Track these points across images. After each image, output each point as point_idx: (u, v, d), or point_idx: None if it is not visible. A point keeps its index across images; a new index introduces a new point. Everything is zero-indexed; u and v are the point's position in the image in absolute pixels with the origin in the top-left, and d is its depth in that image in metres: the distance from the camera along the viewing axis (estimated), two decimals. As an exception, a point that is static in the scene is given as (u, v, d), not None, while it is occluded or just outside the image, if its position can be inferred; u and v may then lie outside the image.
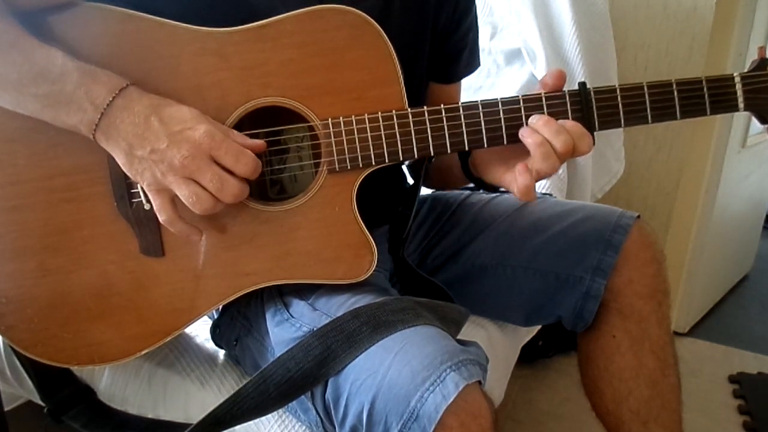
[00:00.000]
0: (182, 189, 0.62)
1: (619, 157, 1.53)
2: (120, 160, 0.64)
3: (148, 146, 0.61)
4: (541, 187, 1.25)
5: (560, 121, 0.68)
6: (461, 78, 0.92)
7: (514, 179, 0.69)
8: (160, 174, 0.62)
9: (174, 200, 0.64)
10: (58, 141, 0.66)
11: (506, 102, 0.69)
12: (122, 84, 0.62)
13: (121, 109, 0.62)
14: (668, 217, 1.74)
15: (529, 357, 1.65)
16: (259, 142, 0.66)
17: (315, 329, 0.65)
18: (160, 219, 0.65)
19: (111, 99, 0.61)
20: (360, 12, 0.67)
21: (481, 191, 1.01)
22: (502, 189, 0.78)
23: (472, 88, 1.42)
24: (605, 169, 1.49)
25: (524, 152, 0.69)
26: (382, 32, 0.67)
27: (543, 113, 0.69)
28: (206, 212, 0.64)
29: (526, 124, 0.69)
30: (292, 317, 0.71)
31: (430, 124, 0.69)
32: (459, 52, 0.89)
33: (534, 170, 0.68)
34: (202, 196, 0.63)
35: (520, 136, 0.69)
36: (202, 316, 0.72)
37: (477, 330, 0.92)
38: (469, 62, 0.91)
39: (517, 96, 0.69)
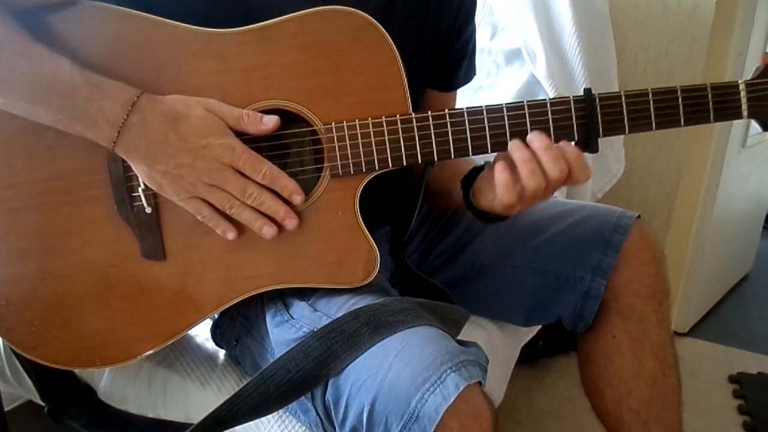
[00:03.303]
0: (212, 196, 0.65)
1: (619, 157, 1.53)
2: (141, 174, 0.65)
3: (172, 162, 0.63)
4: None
5: (562, 145, 0.67)
6: (460, 86, 0.92)
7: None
8: (188, 185, 0.64)
9: (207, 201, 0.66)
10: (57, 143, 0.66)
11: (511, 107, 0.68)
12: (133, 97, 0.62)
13: (138, 126, 0.62)
14: (668, 217, 1.74)
15: (529, 357, 1.65)
16: (275, 120, 0.66)
17: (315, 330, 0.65)
18: (199, 218, 0.67)
19: (126, 116, 0.62)
20: (364, 14, 0.66)
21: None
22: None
23: (473, 88, 1.42)
24: (605, 169, 1.49)
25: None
26: (387, 35, 0.67)
27: (548, 119, 0.69)
28: (238, 214, 0.66)
29: (531, 129, 0.69)
30: (293, 318, 0.71)
31: (434, 129, 0.68)
32: (459, 61, 0.88)
33: (520, 185, 0.67)
34: (231, 199, 0.66)
35: (508, 149, 0.68)
36: (204, 320, 0.72)
37: (477, 330, 0.92)
38: (468, 71, 0.91)
39: (522, 102, 0.68)
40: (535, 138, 0.67)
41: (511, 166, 0.68)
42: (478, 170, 0.78)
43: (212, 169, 0.64)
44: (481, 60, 1.45)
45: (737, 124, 1.74)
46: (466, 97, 0.94)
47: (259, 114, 0.66)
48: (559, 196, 1.26)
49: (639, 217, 0.85)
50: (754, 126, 1.92)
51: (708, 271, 1.90)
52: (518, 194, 0.68)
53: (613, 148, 1.51)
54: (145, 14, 0.65)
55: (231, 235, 0.68)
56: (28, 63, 0.61)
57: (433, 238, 0.95)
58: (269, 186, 0.66)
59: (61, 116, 0.62)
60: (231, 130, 0.65)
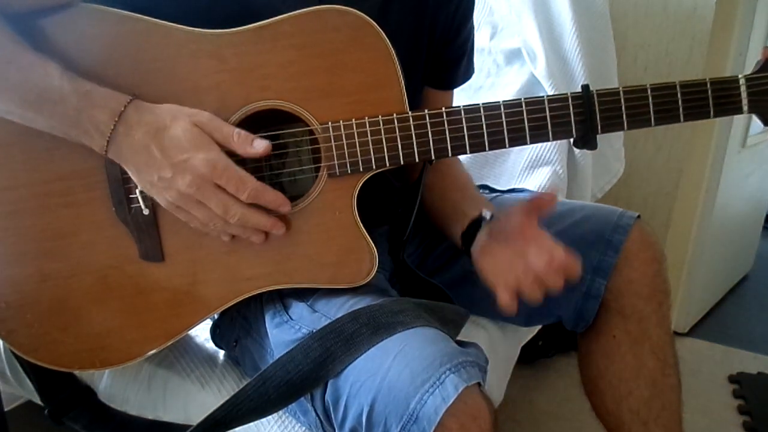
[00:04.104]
0: (196, 212, 0.65)
1: (619, 157, 1.53)
2: (133, 178, 0.65)
3: (155, 174, 0.63)
4: (541, 187, 1.25)
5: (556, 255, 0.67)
6: (459, 85, 0.92)
7: (498, 284, 0.70)
8: (172, 199, 0.64)
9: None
10: (55, 145, 0.66)
11: (508, 105, 0.68)
12: (120, 106, 0.62)
13: (123, 136, 0.62)
14: (668, 217, 1.74)
15: (529, 357, 1.65)
16: (265, 145, 0.65)
17: (314, 331, 0.65)
18: (192, 226, 0.67)
19: (113, 126, 0.62)
20: (360, 13, 0.66)
21: (482, 191, 1.01)
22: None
23: (473, 88, 1.42)
24: (605, 169, 1.49)
25: (522, 253, 0.69)
26: (383, 33, 0.67)
27: (545, 116, 0.69)
28: (222, 230, 0.66)
29: (528, 126, 0.69)
30: (292, 319, 0.71)
31: (431, 128, 0.68)
32: (458, 59, 0.88)
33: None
34: (215, 218, 0.65)
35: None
36: (203, 321, 0.72)
37: (477, 330, 0.92)
38: (467, 70, 0.91)
39: (519, 99, 0.68)
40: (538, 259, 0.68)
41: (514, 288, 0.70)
42: (477, 224, 0.79)
43: (192, 185, 0.62)
44: (481, 60, 1.45)
45: (737, 124, 1.74)
46: (465, 97, 0.94)
47: (252, 136, 0.65)
48: (560, 195, 1.26)
49: (639, 217, 0.85)
50: (754, 126, 1.91)
51: (708, 271, 1.89)
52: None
53: (613, 147, 1.51)
54: (140, 16, 0.65)
55: (225, 237, 0.68)
56: (18, 72, 0.61)
57: (433, 239, 0.95)
58: (254, 202, 0.65)
59: (55, 123, 0.63)
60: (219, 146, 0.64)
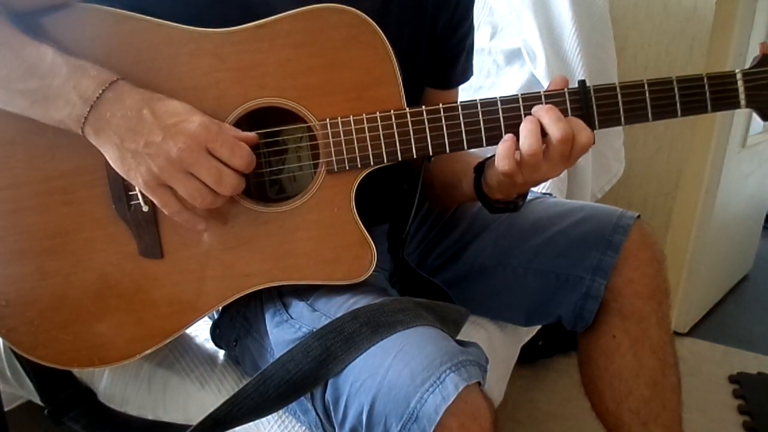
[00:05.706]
0: (182, 184, 0.62)
1: (619, 157, 1.53)
2: (111, 155, 0.63)
3: (142, 140, 0.61)
4: (542, 187, 1.25)
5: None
6: (457, 84, 0.92)
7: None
8: (157, 168, 0.61)
9: (176, 193, 0.64)
10: (56, 143, 0.66)
11: (505, 101, 0.69)
12: (112, 78, 0.62)
13: (111, 102, 0.61)
14: (668, 217, 1.74)
15: (529, 357, 1.65)
16: (252, 135, 0.65)
17: (314, 330, 0.65)
18: (166, 212, 0.65)
19: (101, 92, 0.61)
20: (358, 11, 0.67)
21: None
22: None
23: (472, 88, 1.42)
24: (605, 169, 1.49)
25: None
26: (380, 32, 0.67)
27: None
28: (207, 206, 0.64)
29: None
30: (292, 318, 0.71)
31: (428, 124, 0.68)
32: (456, 56, 0.88)
33: (520, 148, 0.67)
34: (203, 191, 0.63)
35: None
36: (201, 318, 0.72)
37: (477, 330, 0.92)
38: (465, 69, 0.91)
39: (516, 95, 0.69)
40: (537, 107, 0.68)
41: (516, 138, 0.68)
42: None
43: (184, 149, 0.60)
44: (481, 60, 1.45)
45: (737, 124, 1.74)
46: (465, 97, 0.93)
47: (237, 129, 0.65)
48: (559, 195, 1.26)
49: (639, 217, 0.85)
50: (754, 126, 1.91)
51: (708, 271, 1.90)
52: (517, 162, 0.68)
53: (613, 147, 1.51)
54: (139, 15, 0.65)
55: (201, 227, 0.66)
56: (9, 51, 0.61)
57: (433, 239, 0.95)
58: (245, 171, 0.64)
59: (36, 98, 0.61)
60: None
